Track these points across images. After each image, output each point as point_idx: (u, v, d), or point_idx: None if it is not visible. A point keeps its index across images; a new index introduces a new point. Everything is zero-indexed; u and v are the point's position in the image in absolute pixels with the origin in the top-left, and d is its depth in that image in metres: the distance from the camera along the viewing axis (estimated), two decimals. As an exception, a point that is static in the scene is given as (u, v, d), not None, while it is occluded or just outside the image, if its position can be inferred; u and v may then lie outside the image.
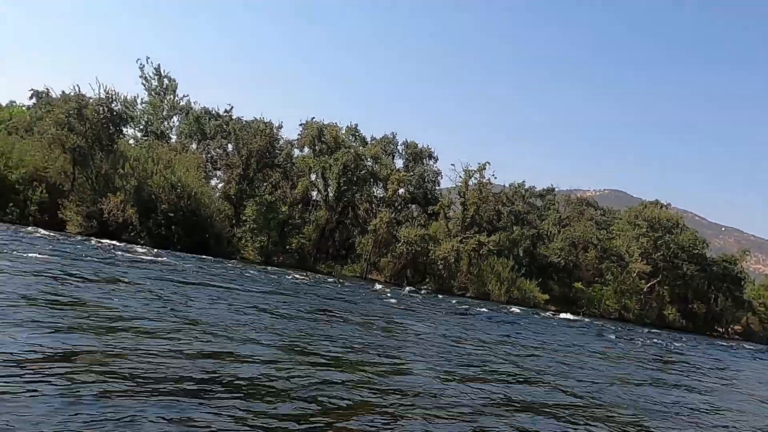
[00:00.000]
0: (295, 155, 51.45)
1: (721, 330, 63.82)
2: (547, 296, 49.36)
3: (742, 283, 64.33)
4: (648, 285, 56.06)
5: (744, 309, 64.21)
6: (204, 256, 30.92)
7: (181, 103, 52.27)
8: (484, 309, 28.46)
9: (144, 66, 51.60)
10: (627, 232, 57.62)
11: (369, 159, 50.16)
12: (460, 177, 51.32)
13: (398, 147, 55.29)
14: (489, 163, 50.60)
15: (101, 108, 36.35)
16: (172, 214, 34.58)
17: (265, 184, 46.56)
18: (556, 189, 63.12)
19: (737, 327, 65.78)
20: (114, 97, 38.17)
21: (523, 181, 59.28)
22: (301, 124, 51.08)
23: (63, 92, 37.29)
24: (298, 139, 51.26)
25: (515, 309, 34.45)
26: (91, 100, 36.17)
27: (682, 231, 59.05)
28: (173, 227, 34.45)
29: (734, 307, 62.64)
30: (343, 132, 51.12)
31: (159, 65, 52.10)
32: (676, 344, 27.97)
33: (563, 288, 54.31)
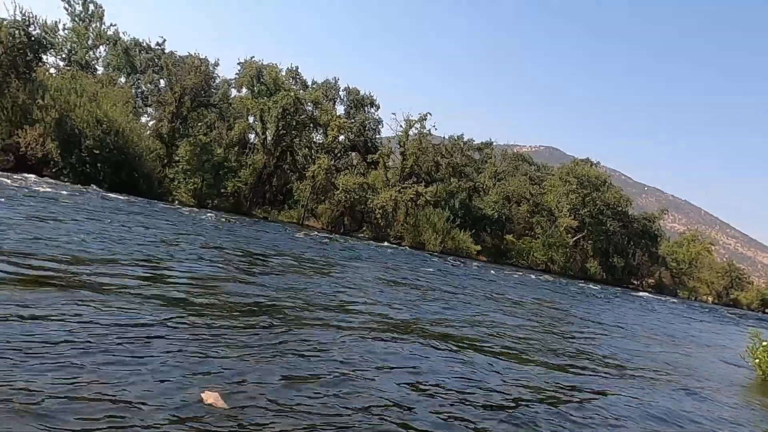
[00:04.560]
0: (232, 95, 49.66)
1: (636, 283, 68.48)
2: (479, 247, 50.95)
3: (659, 240, 68.93)
4: (574, 239, 58.91)
5: (658, 264, 69.05)
6: (129, 197, 29.72)
7: (109, 33, 48.76)
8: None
9: (66, -12, 47.40)
10: (558, 188, 59.80)
11: (309, 103, 49.07)
12: (401, 127, 51.31)
13: (340, 93, 54.37)
14: (430, 113, 50.81)
15: (17, 31, 33.25)
16: (97, 151, 32.66)
17: (199, 124, 44.78)
18: (494, 143, 64.26)
19: (651, 280, 70.81)
20: (32, 20, 35.00)
21: (462, 134, 59.93)
22: (239, 63, 49.24)
23: (-28, 11, 33.89)
24: (235, 79, 49.41)
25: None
26: (5, 22, 33.02)
27: (608, 189, 61.99)
28: (99, 164, 32.69)
29: (649, 262, 67.21)
30: (284, 74, 49.52)
31: (84, -12, 48.06)
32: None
33: (495, 240, 56.22)
